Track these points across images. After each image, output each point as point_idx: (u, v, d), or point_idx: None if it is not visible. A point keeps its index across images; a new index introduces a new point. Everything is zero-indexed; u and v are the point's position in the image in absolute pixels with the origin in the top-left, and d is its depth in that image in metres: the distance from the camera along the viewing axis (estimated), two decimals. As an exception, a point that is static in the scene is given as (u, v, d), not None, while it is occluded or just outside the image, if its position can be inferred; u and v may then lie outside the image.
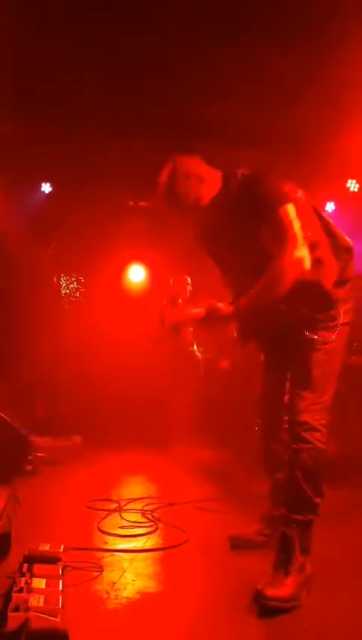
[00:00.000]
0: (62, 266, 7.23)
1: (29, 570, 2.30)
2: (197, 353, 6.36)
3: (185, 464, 4.95)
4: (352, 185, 6.71)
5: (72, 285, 7.36)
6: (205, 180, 2.54)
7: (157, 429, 6.01)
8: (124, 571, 2.59)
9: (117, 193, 6.87)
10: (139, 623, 2.16)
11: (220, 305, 2.55)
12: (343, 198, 6.89)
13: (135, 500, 3.71)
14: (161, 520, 3.31)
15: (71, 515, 3.44)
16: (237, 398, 5.66)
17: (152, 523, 3.26)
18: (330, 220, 2.60)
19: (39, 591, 2.12)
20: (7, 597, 2.10)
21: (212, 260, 2.80)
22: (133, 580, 2.50)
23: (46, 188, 6.78)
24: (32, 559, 2.41)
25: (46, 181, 6.76)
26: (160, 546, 2.94)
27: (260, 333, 2.74)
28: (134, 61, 4.83)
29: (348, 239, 2.60)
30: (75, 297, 7.38)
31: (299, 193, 2.48)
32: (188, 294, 6.28)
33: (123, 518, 3.35)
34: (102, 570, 2.57)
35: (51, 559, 2.46)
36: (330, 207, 6.98)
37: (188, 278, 6.37)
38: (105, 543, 2.97)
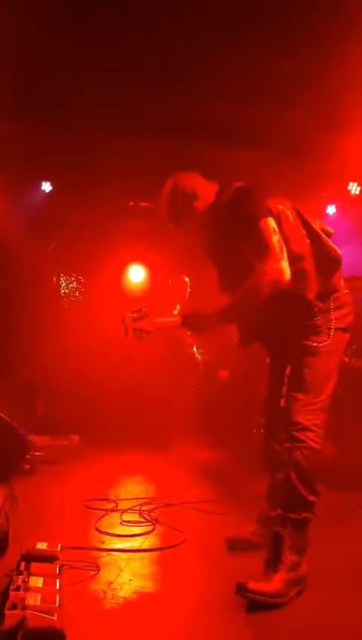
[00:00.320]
0: (61, 265, 7.24)
1: (27, 568, 2.31)
2: (197, 355, 6.37)
3: (184, 464, 4.96)
4: (354, 188, 6.72)
5: (71, 285, 7.37)
6: (201, 197, 2.67)
7: (155, 429, 6.02)
8: (121, 571, 2.59)
9: (117, 193, 6.88)
10: (136, 622, 2.16)
11: (201, 311, 2.63)
12: (344, 200, 6.91)
13: (133, 499, 3.71)
14: (158, 520, 3.31)
15: (68, 515, 3.44)
16: (237, 400, 5.67)
17: (150, 523, 3.26)
18: (320, 232, 2.65)
19: (36, 589, 2.12)
20: (5, 595, 2.10)
21: (212, 266, 2.87)
22: (130, 580, 2.50)
23: (46, 187, 6.78)
24: (29, 558, 2.42)
25: (46, 180, 6.77)
26: (157, 546, 2.94)
27: (260, 336, 2.79)
28: (134, 61, 4.84)
29: (338, 250, 2.65)
30: (75, 297, 7.38)
31: (281, 207, 2.56)
32: (187, 295, 6.29)
33: (120, 518, 3.35)
34: (99, 570, 2.58)
35: (49, 558, 2.47)
36: (331, 209, 7.00)
37: (188, 279, 6.38)
38: (103, 542, 2.97)
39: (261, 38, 4.40)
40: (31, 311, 6.44)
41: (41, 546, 2.59)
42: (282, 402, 2.62)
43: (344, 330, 2.62)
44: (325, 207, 7.03)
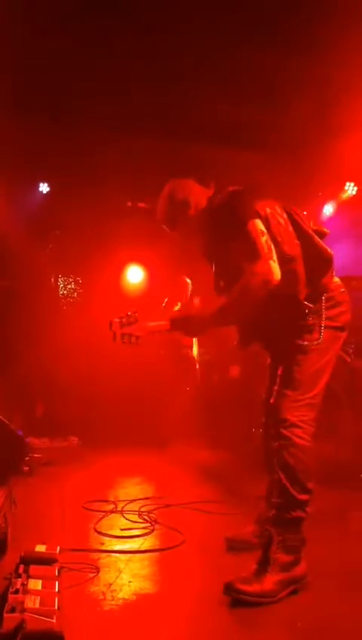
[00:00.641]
0: (60, 266, 7.23)
1: (25, 571, 2.30)
2: (194, 354, 6.36)
3: (183, 465, 4.96)
4: (350, 188, 6.73)
5: (69, 286, 7.36)
6: (193, 205, 2.72)
7: (154, 430, 6.02)
8: (121, 572, 2.59)
9: (115, 194, 6.88)
10: (135, 624, 2.16)
11: (193, 313, 2.70)
12: (341, 201, 6.91)
13: (132, 500, 3.71)
14: (157, 521, 3.31)
15: (67, 516, 3.43)
16: (236, 400, 5.67)
17: (149, 524, 3.26)
18: (312, 233, 2.66)
19: (35, 592, 2.11)
20: (4, 598, 2.09)
21: (209, 269, 2.90)
22: (130, 581, 2.50)
23: (44, 188, 6.78)
24: (28, 560, 2.41)
25: (44, 181, 6.77)
26: (156, 547, 2.94)
27: (257, 337, 2.81)
28: (134, 62, 4.83)
29: (329, 250, 2.67)
30: (73, 298, 7.37)
31: (269, 210, 2.57)
32: (188, 295, 6.28)
33: (120, 520, 3.35)
34: (98, 572, 2.57)
35: (47, 560, 2.46)
36: (328, 209, 7.00)
37: (189, 280, 6.37)
38: (102, 544, 2.97)
39: (260, 41, 4.41)
40: (29, 312, 6.43)
41: (40, 548, 2.58)
42: (272, 399, 2.61)
43: (339, 329, 2.62)
44: (322, 207, 7.03)
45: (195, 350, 6.32)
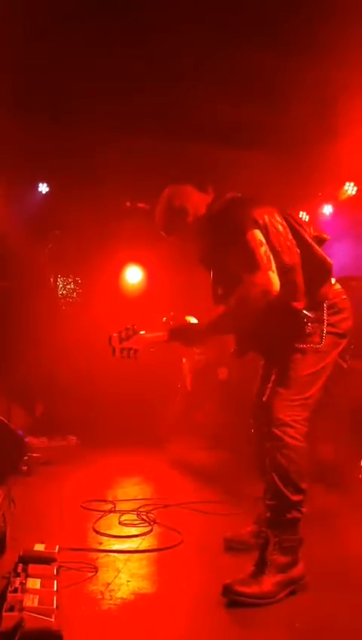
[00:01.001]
0: (59, 266, 7.23)
1: (24, 570, 2.31)
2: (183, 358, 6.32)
3: (181, 465, 4.96)
4: (350, 188, 6.73)
5: (68, 286, 7.36)
6: (191, 212, 2.71)
7: (153, 429, 6.02)
8: (119, 572, 2.60)
9: (115, 194, 6.88)
10: (134, 623, 2.16)
11: (190, 324, 2.69)
12: (341, 201, 6.91)
13: (130, 500, 3.71)
14: (156, 521, 3.31)
15: (66, 516, 3.44)
16: (235, 400, 5.67)
17: (147, 524, 3.26)
18: (311, 241, 2.66)
19: (34, 591, 2.12)
20: (2, 597, 2.10)
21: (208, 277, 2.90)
22: (128, 581, 2.50)
23: (43, 188, 6.77)
24: (27, 559, 2.42)
25: (43, 181, 6.76)
26: (155, 547, 2.94)
27: (254, 345, 2.82)
28: (133, 62, 4.84)
29: (328, 260, 2.67)
30: (72, 298, 7.37)
31: (267, 218, 2.57)
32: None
33: (118, 519, 3.35)
34: (96, 571, 2.58)
35: (46, 559, 2.46)
36: (328, 209, 7.00)
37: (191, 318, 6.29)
38: (100, 543, 2.97)
39: (260, 41, 4.41)
40: (28, 312, 6.43)
41: (39, 547, 2.59)
42: (264, 397, 2.61)
43: (340, 335, 2.63)
44: (321, 207, 7.04)
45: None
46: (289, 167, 6.11)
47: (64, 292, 7.36)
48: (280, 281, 2.43)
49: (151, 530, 3.17)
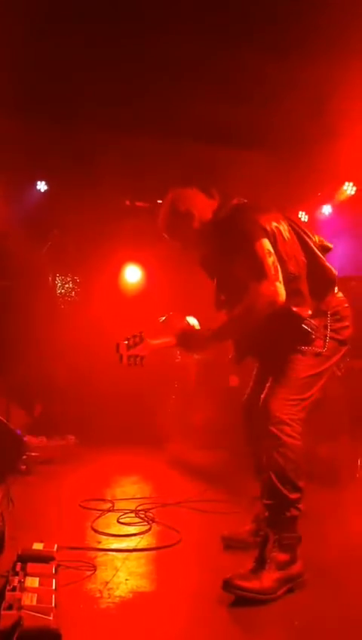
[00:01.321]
0: (57, 265, 7.23)
1: (23, 569, 2.31)
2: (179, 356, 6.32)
3: (180, 464, 4.97)
4: (349, 188, 6.74)
5: (67, 285, 7.36)
6: (197, 216, 2.69)
7: (152, 429, 6.02)
8: (117, 570, 2.60)
9: (114, 193, 6.88)
10: (132, 621, 2.17)
11: (196, 330, 2.69)
12: (340, 200, 6.92)
13: (129, 499, 3.72)
14: (154, 520, 3.32)
15: (65, 515, 3.44)
16: (235, 399, 5.67)
17: (146, 523, 3.27)
18: (317, 250, 2.67)
19: (32, 590, 2.12)
20: (1, 595, 2.10)
21: (210, 282, 2.90)
22: (126, 579, 2.50)
23: (42, 187, 6.77)
24: (25, 558, 2.42)
25: (42, 180, 6.76)
26: (153, 546, 2.95)
27: (254, 351, 2.83)
28: (133, 61, 4.84)
29: (333, 270, 2.68)
30: (71, 297, 7.37)
31: (275, 224, 2.57)
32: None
33: (117, 518, 3.36)
34: (95, 570, 2.58)
35: (45, 558, 2.46)
36: (327, 209, 7.01)
37: (194, 321, 6.25)
38: (99, 542, 2.98)
39: (260, 42, 4.42)
40: (27, 311, 6.43)
41: (38, 546, 2.58)
42: (263, 395, 2.59)
43: (341, 342, 2.64)
44: (320, 207, 7.04)
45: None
46: (289, 167, 6.12)
47: (62, 291, 7.36)
48: (286, 289, 2.44)
49: (149, 529, 3.18)
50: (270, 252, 2.45)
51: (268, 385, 2.59)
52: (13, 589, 2.11)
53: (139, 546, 2.92)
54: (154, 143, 5.86)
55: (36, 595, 2.07)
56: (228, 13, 4.26)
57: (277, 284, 2.42)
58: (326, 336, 2.58)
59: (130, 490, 4.05)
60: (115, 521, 3.30)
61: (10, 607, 1.97)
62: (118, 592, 2.37)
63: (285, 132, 5.55)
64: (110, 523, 3.28)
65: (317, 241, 2.73)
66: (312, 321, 2.56)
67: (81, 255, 6.97)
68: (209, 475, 4.50)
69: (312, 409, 2.59)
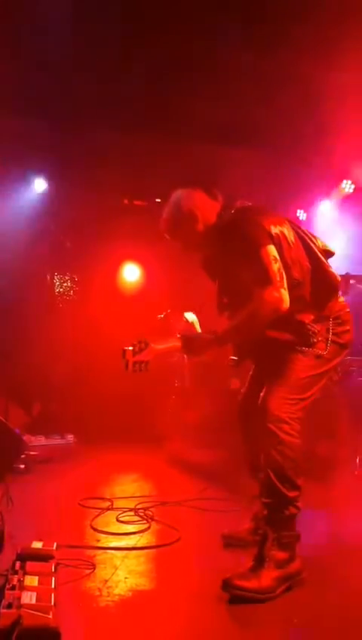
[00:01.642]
0: (55, 264, 7.22)
1: (22, 567, 2.31)
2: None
3: (179, 463, 4.97)
4: (347, 186, 6.74)
5: (65, 284, 7.35)
6: (201, 219, 2.67)
7: (151, 427, 6.02)
8: (117, 569, 2.60)
9: (112, 191, 6.87)
10: (131, 620, 2.17)
11: (199, 334, 2.70)
12: (339, 198, 6.92)
13: (128, 498, 3.72)
14: (153, 518, 3.32)
15: (64, 513, 3.44)
16: (234, 399, 5.67)
17: (145, 521, 3.27)
18: (320, 255, 2.66)
19: (32, 588, 2.12)
20: (0, 594, 2.11)
21: (211, 283, 2.89)
22: (126, 578, 2.51)
23: (40, 185, 6.76)
24: (24, 557, 2.42)
25: (40, 179, 6.75)
26: (152, 544, 2.95)
27: (254, 354, 2.83)
28: (132, 59, 4.83)
29: (337, 276, 2.69)
30: (69, 296, 7.37)
31: (279, 229, 2.56)
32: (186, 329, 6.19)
33: (116, 517, 3.36)
34: (94, 568, 2.58)
35: (44, 557, 2.47)
36: (326, 207, 7.01)
37: (193, 317, 6.23)
38: (98, 540, 2.98)
39: (259, 39, 4.42)
40: (25, 310, 6.43)
41: (37, 544, 2.59)
42: (262, 393, 2.58)
43: (341, 345, 2.65)
44: (319, 205, 7.04)
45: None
46: (287, 165, 6.12)
47: (61, 290, 7.35)
48: (289, 295, 2.45)
49: (148, 528, 3.18)
50: (276, 258, 2.45)
51: (267, 384, 2.59)
52: (13, 588, 2.11)
53: (139, 545, 2.92)
54: (153, 141, 5.86)
55: (35, 593, 2.07)
56: (225, 11, 4.26)
57: (282, 290, 2.43)
58: (327, 339, 2.58)
59: (129, 488, 4.05)
60: (114, 520, 3.31)
61: (9, 606, 1.97)
62: (117, 591, 2.38)
63: (284, 130, 5.55)
64: (109, 521, 3.28)
65: (321, 245, 2.72)
66: (315, 325, 2.56)
67: (79, 254, 6.96)
68: (208, 474, 4.50)
69: (311, 408, 2.59)
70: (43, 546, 2.58)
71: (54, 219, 6.77)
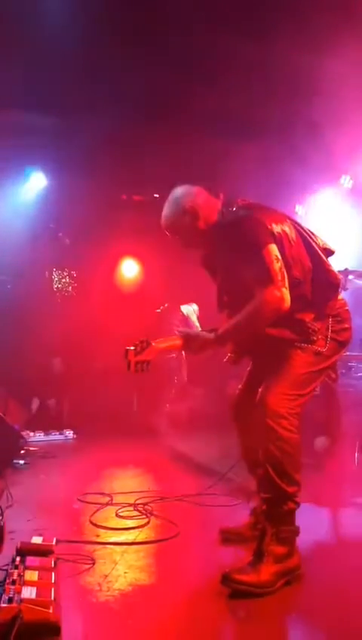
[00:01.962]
0: (54, 260, 7.23)
1: (22, 562, 2.32)
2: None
3: (178, 458, 4.98)
4: (346, 181, 6.73)
5: (64, 280, 7.36)
6: (202, 216, 2.65)
7: (150, 423, 6.04)
8: (116, 564, 2.61)
9: (110, 187, 6.87)
10: (131, 614, 2.18)
11: (199, 332, 2.70)
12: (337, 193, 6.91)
13: (127, 493, 3.73)
14: (153, 513, 3.33)
15: (63, 509, 3.45)
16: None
17: (144, 516, 3.28)
18: (321, 254, 2.66)
19: (31, 583, 2.13)
20: (0, 589, 2.11)
21: (213, 282, 2.88)
22: (125, 573, 2.52)
23: (39, 181, 6.76)
24: (24, 552, 2.43)
25: (39, 174, 6.75)
26: (152, 539, 2.96)
27: (252, 352, 2.83)
28: (131, 53, 4.82)
29: (338, 275, 2.69)
30: (68, 292, 7.37)
31: (281, 228, 2.56)
32: (183, 321, 6.19)
33: (115, 512, 3.37)
34: (94, 563, 2.59)
35: (44, 552, 2.47)
36: (325, 202, 7.00)
37: (194, 307, 6.23)
38: (98, 535, 2.99)
39: (254, 31, 4.40)
40: (24, 305, 6.43)
41: (37, 540, 2.60)
42: (260, 389, 2.58)
43: (340, 343, 2.65)
44: (316, 200, 7.03)
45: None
46: (287, 160, 6.11)
47: (59, 286, 7.36)
48: (290, 294, 2.45)
49: (148, 523, 3.19)
50: (277, 258, 2.45)
51: (266, 380, 2.59)
52: (13, 583, 2.12)
53: (138, 540, 2.93)
54: (152, 136, 5.85)
55: (35, 588, 2.08)
56: (225, 2, 4.25)
57: (284, 290, 2.43)
58: (327, 336, 2.59)
59: (128, 483, 4.06)
60: (114, 515, 3.31)
61: (9, 601, 1.98)
62: (116, 585, 2.39)
63: (282, 124, 5.54)
64: (109, 517, 3.29)
65: (321, 243, 2.72)
66: (315, 323, 2.57)
67: (78, 250, 6.97)
68: (207, 469, 4.51)
69: (311, 404, 2.60)
70: (43, 541, 2.60)
71: (53, 215, 6.77)
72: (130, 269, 7.57)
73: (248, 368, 2.93)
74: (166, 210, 2.73)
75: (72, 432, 5.69)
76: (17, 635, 1.86)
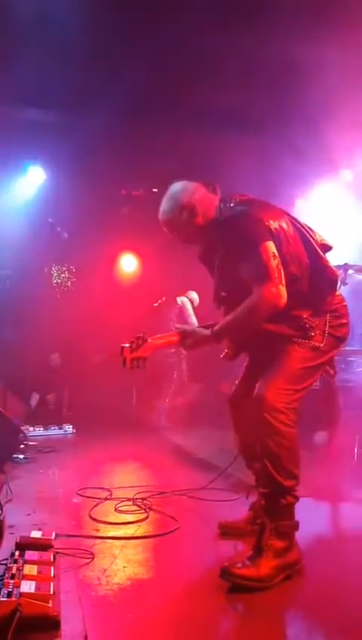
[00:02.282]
0: (53, 255, 7.21)
1: (21, 556, 2.32)
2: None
3: (177, 453, 4.98)
4: (345, 175, 6.71)
5: (63, 275, 7.35)
6: (200, 212, 2.64)
7: (150, 418, 6.05)
8: (115, 558, 2.61)
9: (110, 182, 6.85)
10: (130, 608, 2.18)
11: (196, 329, 2.70)
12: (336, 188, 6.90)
13: (127, 488, 3.73)
14: (152, 508, 3.33)
15: (62, 503, 3.46)
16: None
17: (143, 511, 3.29)
18: (319, 250, 2.65)
19: (31, 577, 2.14)
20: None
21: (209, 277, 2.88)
22: (124, 567, 2.52)
23: (38, 176, 6.74)
24: (23, 546, 2.43)
25: (38, 169, 6.73)
26: (150, 534, 2.96)
27: (249, 348, 2.83)
28: (132, 49, 4.81)
29: (336, 272, 2.68)
30: (67, 287, 7.36)
31: (278, 224, 2.55)
32: (179, 313, 6.19)
33: (115, 506, 3.37)
34: (93, 557, 2.59)
35: (43, 546, 2.48)
36: (325, 197, 6.98)
37: (194, 296, 6.21)
38: (97, 530, 2.99)
39: (252, 24, 4.39)
40: (23, 301, 6.42)
41: (36, 534, 2.60)
42: (258, 384, 2.57)
43: (337, 338, 2.64)
44: (315, 195, 7.02)
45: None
46: (286, 154, 6.10)
47: (59, 281, 7.35)
48: (287, 290, 2.44)
49: (147, 517, 3.19)
50: (274, 255, 2.44)
51: (263, 375, 2.59)
52: (12, 577, 2.12)
53: (137, 534, 2.94)
54: (152, 131, 5.84)
55: (34, 582, 2.08)
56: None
57: (280, 287, 2.43)
58: (324, 332, 2.58)
59: (127, 478, 4.06)
60: (113, 509, 3.32)
61: (8, 595, 1.98)
62: (115, 580, 2.39)
63: (281, 119, 5.53)
64: (108, 511, 3.29)
65: (319, 239, 2.71)
66: (312, 319, 2.56)
67: (77, 245, 6.95)
68: (206, 463, 4.52)
69: (311, 398, 2.59)
70: (42, 535, 2.60)
71: (52, 210, 6.75)
72: (129, 264, 7.56)
73: (245, 364, 2.93)
74: (164, 206, 2.71)
75: (71, 426, 5.70)
76: (16, 629, 1.87)
